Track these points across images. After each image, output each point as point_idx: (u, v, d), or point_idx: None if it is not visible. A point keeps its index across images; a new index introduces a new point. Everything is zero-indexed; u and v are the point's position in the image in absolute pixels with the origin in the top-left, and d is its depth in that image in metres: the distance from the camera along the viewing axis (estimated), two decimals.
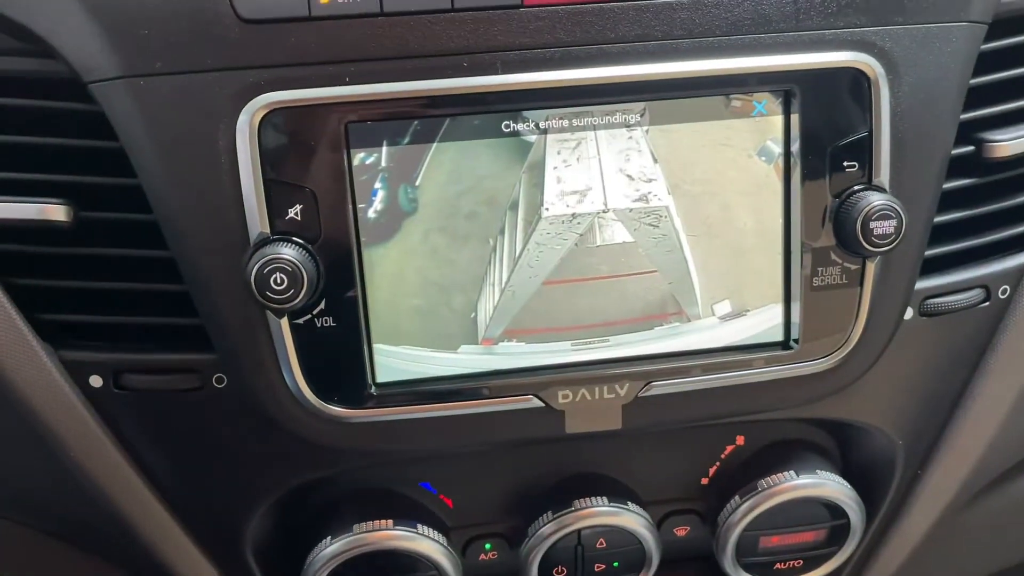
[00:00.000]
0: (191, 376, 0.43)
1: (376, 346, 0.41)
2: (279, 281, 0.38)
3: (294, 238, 0.39)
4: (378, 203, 0.40)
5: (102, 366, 0.43)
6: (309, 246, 0.39)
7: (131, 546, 0.46)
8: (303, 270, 0.38)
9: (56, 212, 0.41)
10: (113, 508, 0.45)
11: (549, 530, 0.46)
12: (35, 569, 0.50)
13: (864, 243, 0.41)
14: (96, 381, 0.43)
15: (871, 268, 0.43)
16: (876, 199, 0.41)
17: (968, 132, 0.45)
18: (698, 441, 0.49)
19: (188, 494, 0.45)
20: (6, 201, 0.41)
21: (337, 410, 0.41)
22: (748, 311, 0.43)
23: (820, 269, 0.42)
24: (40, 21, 0.39)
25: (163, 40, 0.38)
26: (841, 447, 0.51)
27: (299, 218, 0.39)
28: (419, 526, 0.45)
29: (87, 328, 0.43)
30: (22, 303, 0.42)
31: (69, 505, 0.46)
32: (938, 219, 0.44)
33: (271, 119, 0.38)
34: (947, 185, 0.44)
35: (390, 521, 0.45)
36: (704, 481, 0.50)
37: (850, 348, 0.43)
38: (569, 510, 0.46)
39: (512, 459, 0.48)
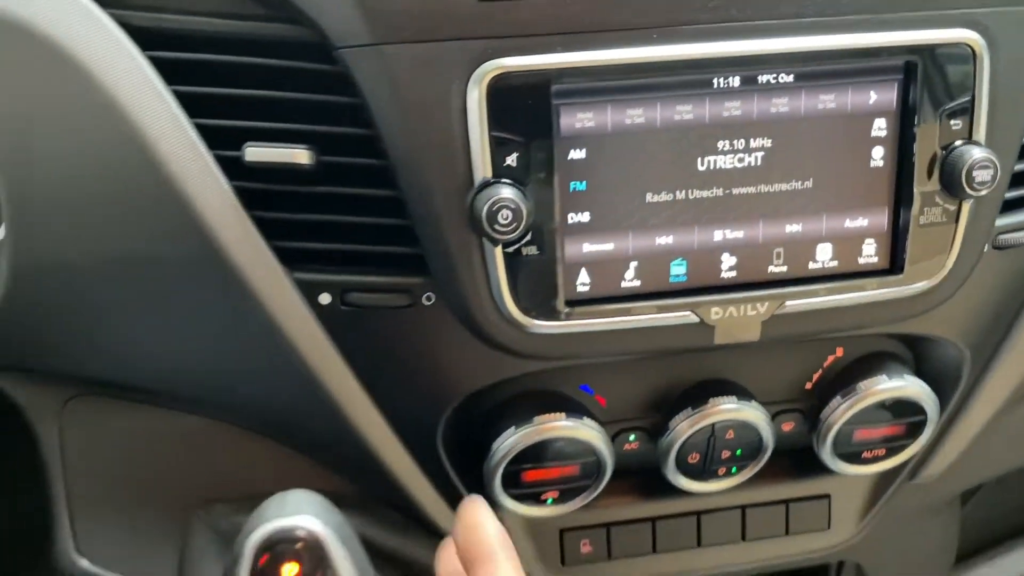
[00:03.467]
0: (403, 295, 0.51)
1: (564, 270, 0.50)
2: (505, 217, 0.46)
3: (511, 181, 0.47)
4: (571, 148, 0.48)
5: (331, 286, 0.51)
6: (522, 188, 0.47)
7: (343, 444, 0.55)
8: (523, 207, 0.46)
9: (301, 156, 0.49)
10: (335, 408, 0.53)
11: (688, 423, 0.56)
12: (256, 468, 0.59)
13: (966, 188, 0.50)
14: (325, 299, 0.51)
15: (966, 209, 0.52)
16: (977, 152, 0.49)
17: None
18: (805, 353, 0.59)
19: (394, 395, 0.54)
20: (260, 146, 0.48)
21: (535, 322, 0.50)
22: (860, 242, 0.52)
23: (926, 209, 0.52)
24: (314, 5, 0.46)
25: (408, 13, 0.45)
26: (916, 358, 0.61)
27: (515, 165, 0.47)
28: (583, 418, 0.55)
29: (319, 254, 0.51)
30: (267, 233, 0.50)
31: (296, 407, 0.55)
32: (1017, 167, 0.54)
33: (496, 82, 0.46)
34: None
35: (562, 414, 0.54)
36: (808, 386, 0.60)
37: (944, 275, 0.53)
38: (706, 406, 0.56)
39: (656, 366, 0.57)
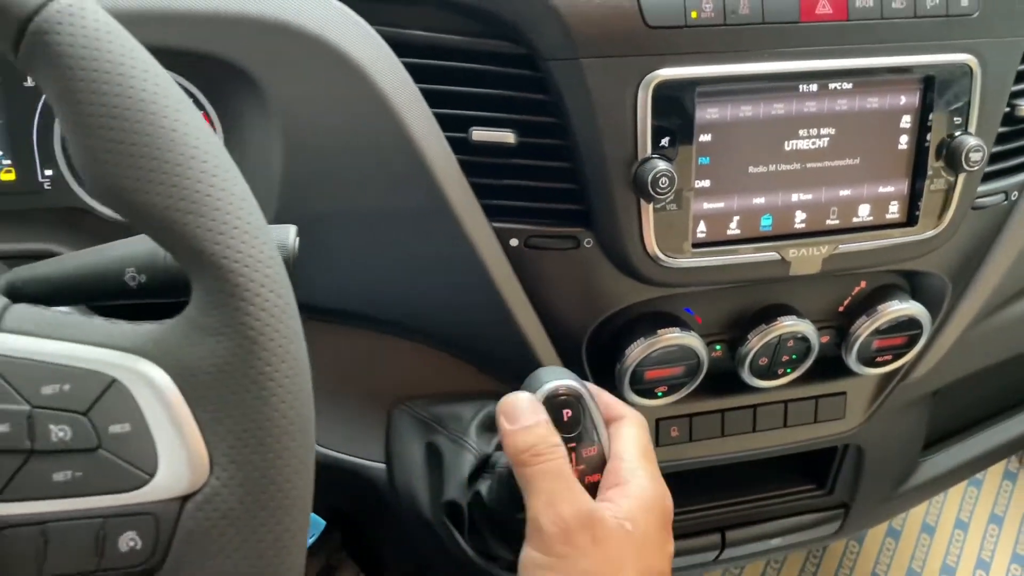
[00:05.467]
0: (570, 240, 0.70)
1: (691, 222, 0.69)
2: (664, 183, 0.65)
3: (663, 157, 0.66)
4: (702, 134, 0.68)
5: (518, 233, 0.69)
6: (670, 162, 0.66)
7: (512, 352, 0.73)
8: (674, 176, 0.65)
9: (508, 137, 0.66)
10: (513, 324, 0.71)
11: (761, 335, 0.76)
12: (437, 376, 0.77)
13: (964, 165, 0.71)
14: (514, 242, 0.69)
15: (960, 179, 0.74)
16: (972, 140, 0.71)
17: (1010, 100, 0.76)
18: (840, 285, 0.80)
19: (555, 313, 0.73)
20: (483, 130, 0.66)
21: (668, 259, 0.69)
22: (888, 204, 0.74)
23: (934, 180, 0.73)
24: (525, 22, 0.63)
25: (600, 36, 0.63)
26: (912, 288, 0.83)
27: (666, 145, 0.66)
28: (690, 332, 0.75)
29: (511, 209, 0.69)
30: (477, 193, 0.67)
31: (482, 325, 0.72)
32: (993, 150, 0.76)
33: (659, 86, 0.65)
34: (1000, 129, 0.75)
35: (676, 328, 0.74)
36: (840, 308, 0.81)
37: (943, 227, 0.75)
38: (775, 323, 0.76)
39: (739, 292, 0.77)
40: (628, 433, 0.55)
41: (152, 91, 0.37)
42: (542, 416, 0.52)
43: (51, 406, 0.36)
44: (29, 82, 0.67)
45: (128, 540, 0.37)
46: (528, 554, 0.48)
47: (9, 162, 0.68)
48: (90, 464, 0.36)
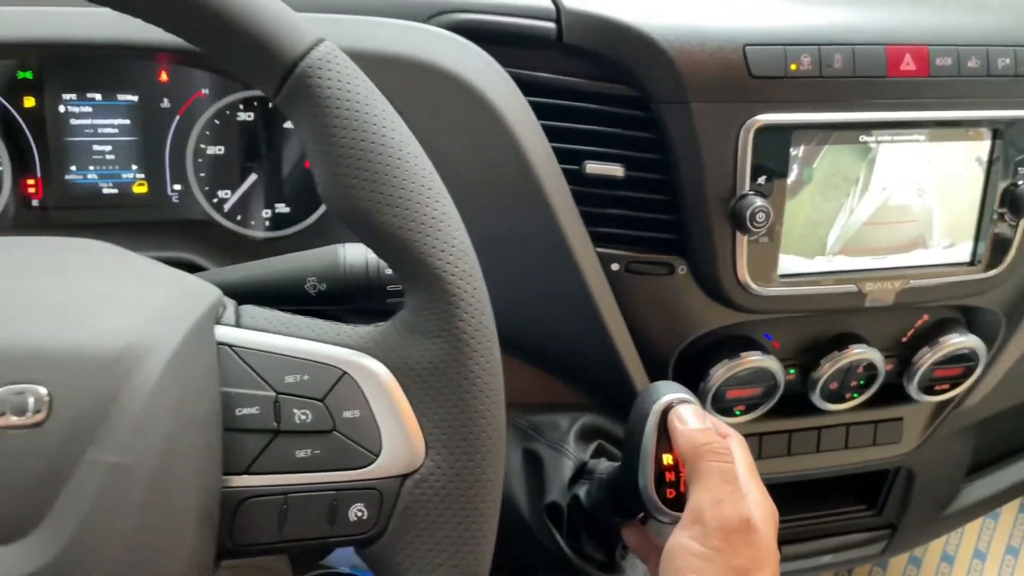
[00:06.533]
0: (666, 267, 0.76)
1: (780, 254, 0.75)
2: (761, 218, 0.71)
3: (760, 194, 0.72)
4: (794, 175, 0.74)
5: (619, 259, 0.75)
6: (766, 198, 0.73)
7: (603, 368, 0.79)
8: (770, 212, 0.72)
9: (617, 171, 0.73)
10: (608, 343, 0.77)
11: (833, 362, 0.82)
12: (531, 388, 0.83)
13: None
14: (615, 267, 0.75)
15: (1021, 224, 0.80)
16: None
17: None
18: (904, 318, 0.86)
19: (647, 333, 0.79)
20: (595, 163, 0.72)
21: (758, 288, 0.75)
22: (955, 244, 0.80)
23: (998, 224, 0.79)
24: (641, 69, 0.70)
25: (709, 83, 0.70)
26: (968, 322, 0.89)
27: (763, 183, 0.73)
28: (770, 355, 0.81)
29: (612, 236, 0.75)
30: (584, 220, 0.74)
31: (578, 342, 0.78)
32: None
33: (759, 130, 0.71)
34: None
35: (758, 352, 0.80)
36: (904, 339, 0.87)
37: (1004, 267, 0.81)
38: (847, 350, 0.82)
39: (814, 320, 0.83)
40: (736, 450, 0.61)
41: (390, 128, 0.43)
42: (708, 423, 0.57)
43: (293, 393, 0.42)
44: (166, 103, 0.74)
45: (356, 511, 0.42)
46: (682, 540, 0.53)
47: (143, 176, 0.74)
48: (326, 444, 0.42)
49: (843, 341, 0.83)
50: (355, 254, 0.56)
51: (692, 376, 0.81)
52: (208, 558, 0.40)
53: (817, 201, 0.75)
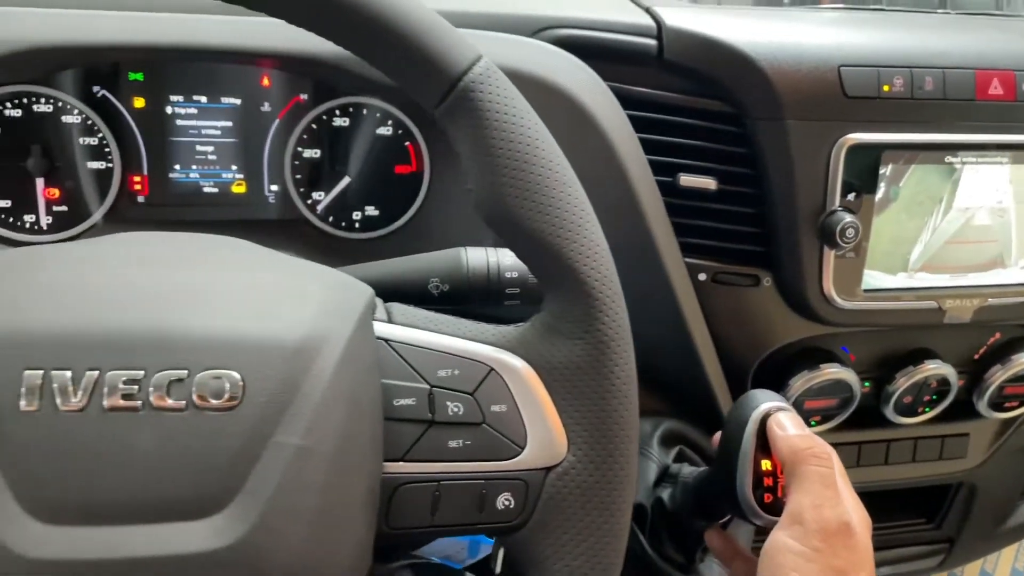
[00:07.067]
0: (751, 279, 0.78)
1: (865, 270, 0.77)
2: (850, 233, 0.73)
3: (848, 210, 0.75)
4: (882, 192, 0.76)
5: (707, 269, 0.78)
6: (854, 214, 0.75)
7: (685, 374, 0.81)
8: (859, 227, 0.74)
9: (710, 184, 0.75)
10: (692, 350, 0.79)
11: (908, 377, 0.84)
12: None
13: None
14: (702, 276, 0.78)
15: None
16: None
17: None
18: (978, 335, 0.88)
19: (729, 342, 0.81)
20: (689, 176, 0.75)
21: (842, 302, 0.77)
22: None
23: None
24: (739, 86, 0.72)
25: (804, 102, 0.72)
26: None
27: (852, 199, 0.75)
28: (848, 368, 0.82)
29: (700, 247, 0.77)
30: (676, 232, 0.76)
31: (663, 350, 0.80)
32: None
33: (851, 148, 0.73)
34: None
35: (836, 364, 0.82)
36: (976, 356, 0.89)
37: None
38: (922, 365, 0.84)
39: (890, 335, 0.85)
40: (833, 457, 0.63)
41: (542, 141, 0.46)
42: (807, 430, 0.60)
43: (445, 386, 0.45)
44: (266, 107, 0.77)
45: (504, 500, 0.45)
46: (782, 539, 0.55)
47: (241, 176, 0.77)
48: (476, 435, 0.45)
49: (918, 356, 0.85)
50: (477, 258, 0.58)
51: (770, 386, 0.83)
52: (370, 540, 0.42)
53: (902, 219, 0.77)
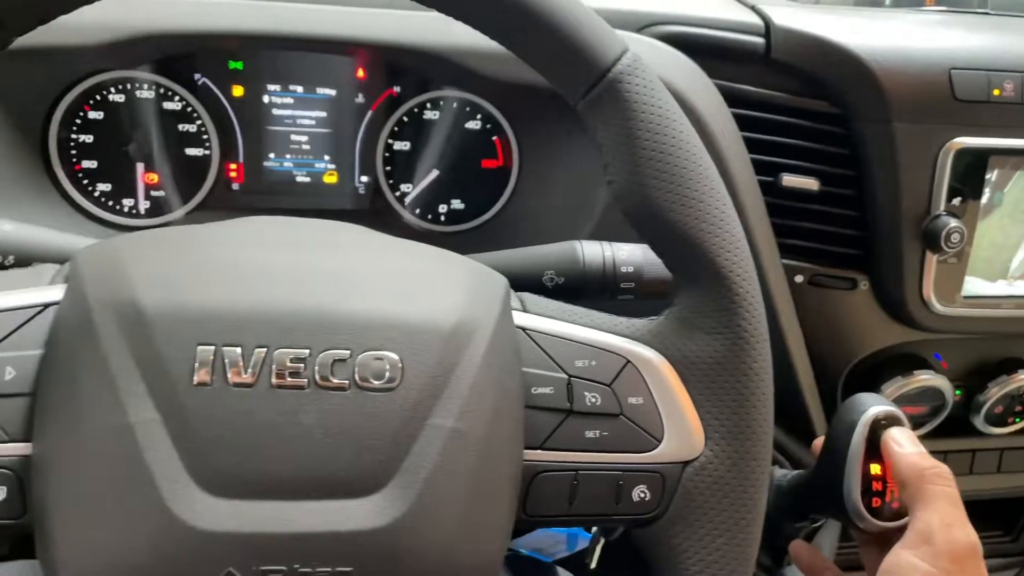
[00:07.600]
0: (848, 282, 0.77)
1: (966, 276, 0.76)
2: (955, 238, 0.72)
3: (953, 215, 0.74)
4: (986, 198, 0.75)
5: (803, 271, 0.77)
6: (959, 219, 0.74)
7: (780, 384, 0.80)
8: (964, 232, 0.73)
9: (813, 185, 0.75)
10: (784, 353, 0.79)
11: (1001, 387, 0.83)
12: None
13: None
14: (799, 278, 0.77)
15: None
16: None
17: None
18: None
19: (821, 346, 0.80)
20: (792, 176, 0.74)
21: (940, 307, 0.76)
22: None
23: None
24: (846, 87, 0.72)
25: (913, 103, 0.71)
26: None
27: (956, 204, 0.74)
28: (941, 375, 0.81)
29: (798, 249, 0.77)
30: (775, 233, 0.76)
31: None
32: None
33: (959, 153, 0.72)
34: None
35: (930, 371, 0.81)
36: None
37: None
38: (1016, 375, 0.83)
39: (984, 343, 0.84)
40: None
41: (687, 133, 0.45)
42: (922, 446, 0.59)
43: (583, 376, 0.45)
44: (360, 99, 0.77)
45: (639, 492, 0.45)
46: (909, 559, 0.54)
47: (333, 167, 0.78)
48: (613, 427, 0.45)
49: (1011, 365, 0.84)
50: (593, 251, 0.58)
51: (860, 392, 0.82)
52: (510, 526, 0.43)
53: (1005, 224, 0.76)
